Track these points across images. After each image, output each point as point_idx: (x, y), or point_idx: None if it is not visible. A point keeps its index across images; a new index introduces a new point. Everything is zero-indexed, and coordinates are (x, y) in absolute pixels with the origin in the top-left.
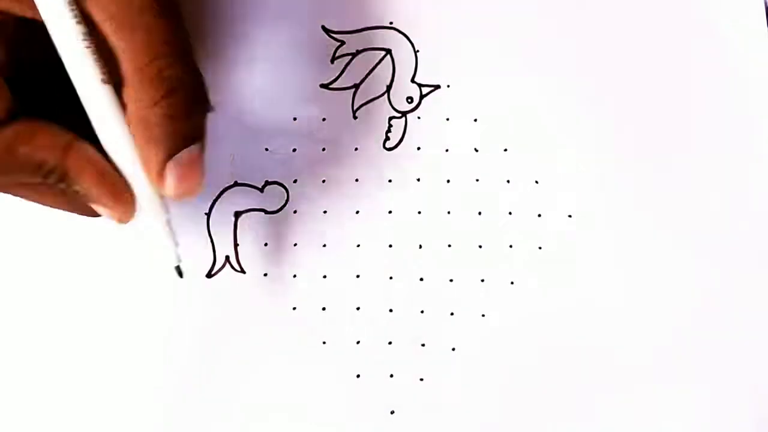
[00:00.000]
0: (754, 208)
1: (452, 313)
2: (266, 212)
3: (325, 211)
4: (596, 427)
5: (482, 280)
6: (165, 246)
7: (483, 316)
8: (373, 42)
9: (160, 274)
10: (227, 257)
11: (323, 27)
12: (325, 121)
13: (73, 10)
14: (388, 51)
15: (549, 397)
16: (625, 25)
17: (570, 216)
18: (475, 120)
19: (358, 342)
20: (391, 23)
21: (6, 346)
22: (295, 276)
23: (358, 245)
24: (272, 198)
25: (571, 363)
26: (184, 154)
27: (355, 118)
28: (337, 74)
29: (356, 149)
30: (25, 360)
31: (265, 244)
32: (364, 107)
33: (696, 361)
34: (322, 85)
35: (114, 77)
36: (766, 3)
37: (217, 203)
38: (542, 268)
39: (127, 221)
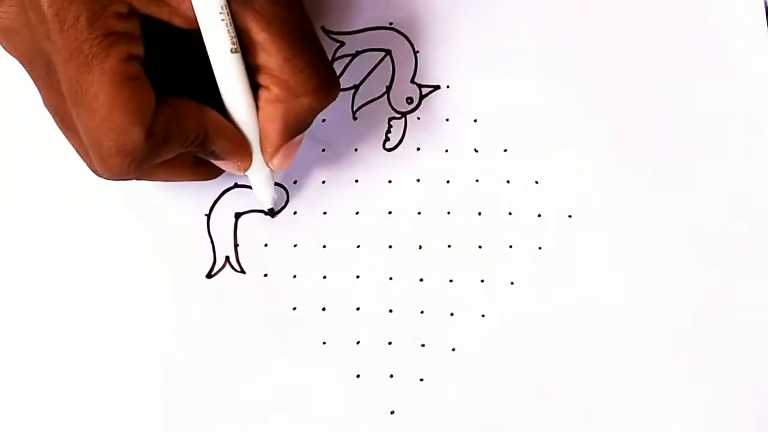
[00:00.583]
0: (754, 208)
1: (452, 314)
2: (266, 213)
3: (325, 212)
4: (596, 427)
5: (482, 281)
6: (266, 190)
7: (483, 316)
8: (373, 42)
9: (160, 275)
10: (227, 258)
11: (323, 28)
12: (325, 122)
13: None
14: (388, 51)
15: (549, 397)
16: (625, 25)
17: (570, 216)
18: (475, 120)
19: (358, 342)
20: (391, 23)
21: (6, 346)
22: (295, 276)
23: (358, 246)
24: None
25: (571, 363)
26: (297, 138)
27: (355, 118)
28: (337, 75)
29: (356, 150)
30: (25, 360)
31: (265, 245)
32: (363, 108)
33: (696, 361)
34: None
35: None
36: (766, 3)
37: (217, 204)
38: (542, 268)
39: (247, 170)
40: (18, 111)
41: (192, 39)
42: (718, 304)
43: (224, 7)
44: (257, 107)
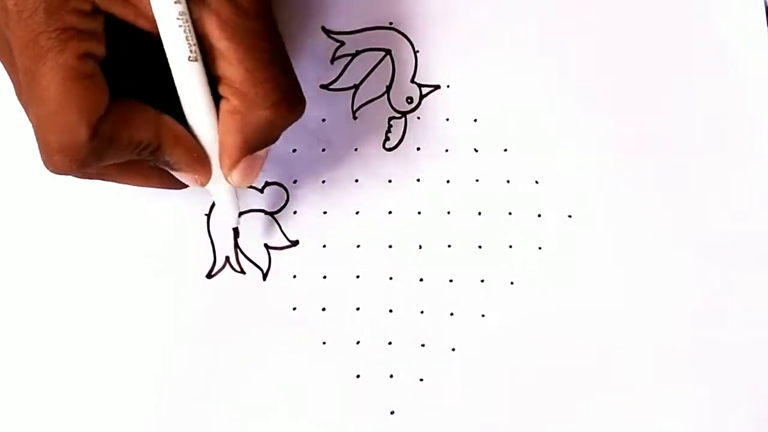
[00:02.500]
0: (754, 208)
1: (452, 314)
2: (266, 213)
3: (325, 212)
4: (596, 427)
5: (482, 281)
6: (228, 207)
7: (483, 316)
8: (373, 42)
9: (160, 275)
10: (227, 258)
11: (323, 27)
12: (325, 122)
13: None
14: (388, 51)
15: (549, 397)
16: (625, 25)
17: (570, 216)
18: (475, 120)
19: (358, 342)
20: (391, 23)
21: (6, 346)
22: (295, 276)
23: (358, 245)
24: (272, 198)
25: (571, 363)
26: (261, 153)
27: (355, 118)
28: (336, 75)
29: (356, 149)
30: (25, 360)
31: (265, 245)
32: (364, 107)
33: (696, 361)
34: (322, 86)
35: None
36: (766, 3)
37: None
38: (542, 268)
39: (206, 184)
40: (18, 112)
41: (158, 43)
42: (718, 304)
43: (183, 14)
44: (218, 119)
